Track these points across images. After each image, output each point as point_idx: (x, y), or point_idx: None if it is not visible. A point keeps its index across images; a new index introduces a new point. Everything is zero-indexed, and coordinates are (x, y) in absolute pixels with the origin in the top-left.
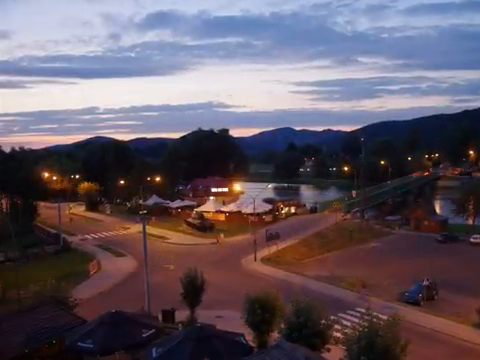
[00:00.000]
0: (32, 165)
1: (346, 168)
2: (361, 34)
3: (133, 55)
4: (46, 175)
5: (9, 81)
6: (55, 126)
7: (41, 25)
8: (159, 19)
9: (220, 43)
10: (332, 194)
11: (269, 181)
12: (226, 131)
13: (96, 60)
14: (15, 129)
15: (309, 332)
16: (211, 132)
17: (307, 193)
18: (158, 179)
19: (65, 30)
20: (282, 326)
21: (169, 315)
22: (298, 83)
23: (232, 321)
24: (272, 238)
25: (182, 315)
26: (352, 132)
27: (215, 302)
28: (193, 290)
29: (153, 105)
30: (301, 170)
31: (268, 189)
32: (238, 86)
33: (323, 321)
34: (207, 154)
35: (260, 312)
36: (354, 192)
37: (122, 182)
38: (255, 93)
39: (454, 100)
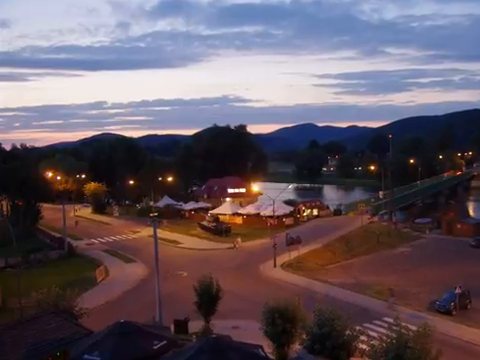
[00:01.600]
0: (35, 164)
1: (372, 167)
2: (389, 23)
3: (143, 45)
4: (49, 175)
5: (10, 74)
6: (59, 122)
7: (44, 13)
8: (171, 7)
9: (237, 32)
10: (357, 195)
11: (289, 181)
12: (243, 127)
13: (103, 51)
14: (16, 125)
15: (333, 344)
16: (227, 128)
17: (330, 194)
18: (170, 179)
19: (70, 19)
20: (304, 337)
21: (182, 325)
22: (321, 76)
23: (250, 332)
24: (293, 242)
25: (196, 325)
26: (379, 128)
27: (231, 311)
28: (208, 299)
29: (165, 99)
30: (324, 169)
31: (288, 190)
32: (256, 79)
33: (348, 332)
34: (223, 152)
35: (280, 322)
36: (381, 193)
37: (132, 182)
38: (274, 86)
39: None
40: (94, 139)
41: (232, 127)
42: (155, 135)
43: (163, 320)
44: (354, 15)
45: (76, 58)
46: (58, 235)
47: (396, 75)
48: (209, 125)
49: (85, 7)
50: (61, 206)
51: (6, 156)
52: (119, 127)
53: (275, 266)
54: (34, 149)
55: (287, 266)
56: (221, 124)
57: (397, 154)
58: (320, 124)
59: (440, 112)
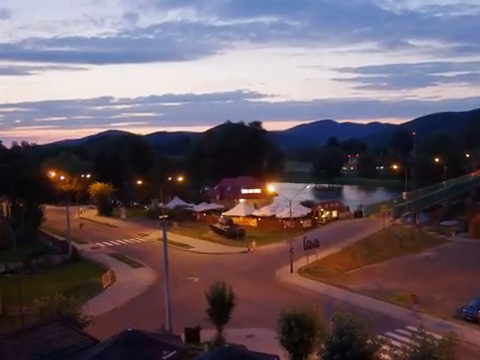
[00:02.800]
0: (36, 163)
1: (395, 166)
2: (412, 13)
3: (152, 37)
4: (52, 175)
5: (10, 67)
6: (63, 118)
7: (47, 3)
8: None
9: (251, 23)
10: (379, 196)
11: (307, 181)
12: (258, 124)
13: (110, 43)
14: (17, 122)
15: (353, 354)
16: (241, 125)
17: (351, 195)
18: (181, 179)
19: (75, 9)
20: (322, 347)
21: (193, 334)
22: (341, 69)
23: (265, 341)
24: (311, 246)
25: (208, 334)
26: (402, 125)
27: (246, 319)
28: (220, 306)
29: (175, 94)
30: (344, 169)
31: (306, 190)
32: (271, 73)
33: (369, 341)
34: (237, 150)
35: (297, 331)
36: (405, 194)
37: (139, 182)
38: (291, 81)
39: None
40: (100, 136)
41: (246, 124)
42: (164, 132)
43: (173, 329)
44: (376, 5)
45: (80, 51)
46: (61, 238)
47: (420, 68)
48: (221, 122)
49: None
50: (65, 208)
51: (7, 155)
52: (126, 124)
53: (292, 271)
54: (36, 147)
55: (304, 271)
56: (235, 121)
57: (421, 152)
58: (339, 121)
59: (467, 108)
